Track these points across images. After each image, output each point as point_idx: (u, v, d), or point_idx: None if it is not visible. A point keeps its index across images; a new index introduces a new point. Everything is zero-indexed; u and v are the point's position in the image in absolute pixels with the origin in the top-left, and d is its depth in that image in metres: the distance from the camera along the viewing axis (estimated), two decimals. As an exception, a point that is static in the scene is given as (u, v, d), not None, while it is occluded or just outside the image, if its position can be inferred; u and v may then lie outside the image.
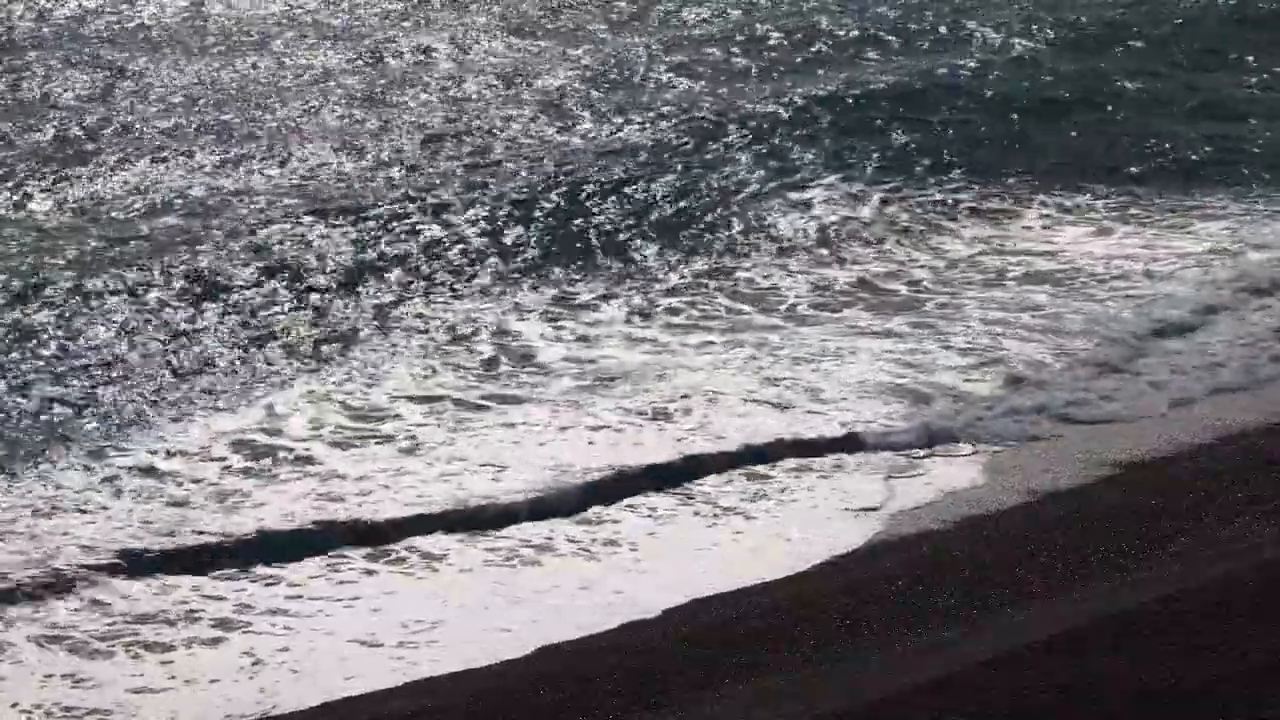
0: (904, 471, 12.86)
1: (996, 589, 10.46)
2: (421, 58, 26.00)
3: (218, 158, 21.25)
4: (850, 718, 8.00)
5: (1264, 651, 7.52)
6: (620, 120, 22.56)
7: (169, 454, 13.22)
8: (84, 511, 12.22)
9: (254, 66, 25.58)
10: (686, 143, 21.64)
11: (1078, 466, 12.84)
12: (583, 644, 10.28)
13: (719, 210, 19.13)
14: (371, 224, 18.81)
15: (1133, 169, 20.76)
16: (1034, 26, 26.99)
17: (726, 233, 18.51)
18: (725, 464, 12.99)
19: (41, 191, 19.91)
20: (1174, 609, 8.39)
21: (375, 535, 11.90)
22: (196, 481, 12.79)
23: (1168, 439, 13.34)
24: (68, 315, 16.13)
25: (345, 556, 11.66)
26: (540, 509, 12.22)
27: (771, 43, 26.54)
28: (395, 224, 18.80)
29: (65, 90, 24.15)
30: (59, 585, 11.17)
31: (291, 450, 13.31)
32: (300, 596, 11.16)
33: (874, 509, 12.25)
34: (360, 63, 25.76)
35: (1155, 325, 15.80)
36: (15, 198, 19.68)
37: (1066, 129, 22.19)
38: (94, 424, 13.81)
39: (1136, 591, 9.58)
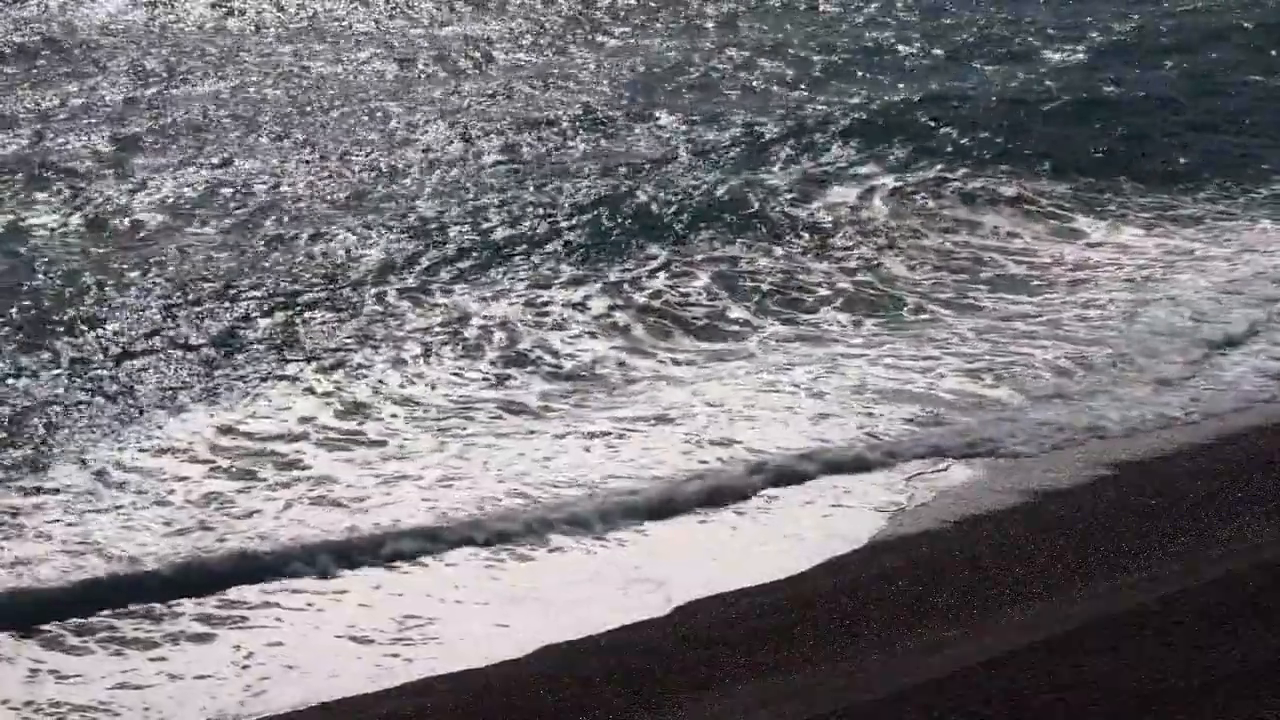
0: (915, 478, 12.78)
1: (996, 589, 10.47)
2: (449, 62, 26.00)
3: (227, 158, 21.33)
4: (850, 718, 8.00)
5: (1264, 651, 7.53)
6: (647, 122, 22.59)
7: (159, 452, 13.17)
8: (68, 509, 12.17)
9: (285, 70, 25.62)
10: (713, 145, 21.65)
11: (1078, 466, 12.84)
12: (583, 644, 10.28)
13: (733, 211, 19.10)
14: (382, 220, 18.87)
15: (1126, 170, 20.86)
16: (1066, 35, 27.09)
17: (736, 234, 18.47)
18: (742, 477, 12.82)
19: (68, 193, 19.93)
20: (1174, 609, 8.39)
21: (370, 543, 11.81)
22: (182, 480, 12.73)
23: (1168, 439, 13.34)
24: (67, 313, 16.15)
25: (340, 559, 11.59)
26: (542, 524, 12.12)
27: (801, 50, 26.56)
28: (406, 222, 18.84)
29: (95, 93, 24.20)
30: (44, 582, 11.11)
31: (283, 454, 13.26)
32: (290, 591, 11.10)
33: (880, 511, 12.22)
34: (389, 66, 25.78)
35: (1163, 331, 15.70)
36: (40, 200, 19.70)
37: (1074, 133, 22.24)
38: (82, 421, 13.77)
39: (1136, 591, 9.58)
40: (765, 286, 17.11)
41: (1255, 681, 7.16)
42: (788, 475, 12.77)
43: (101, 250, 18.04)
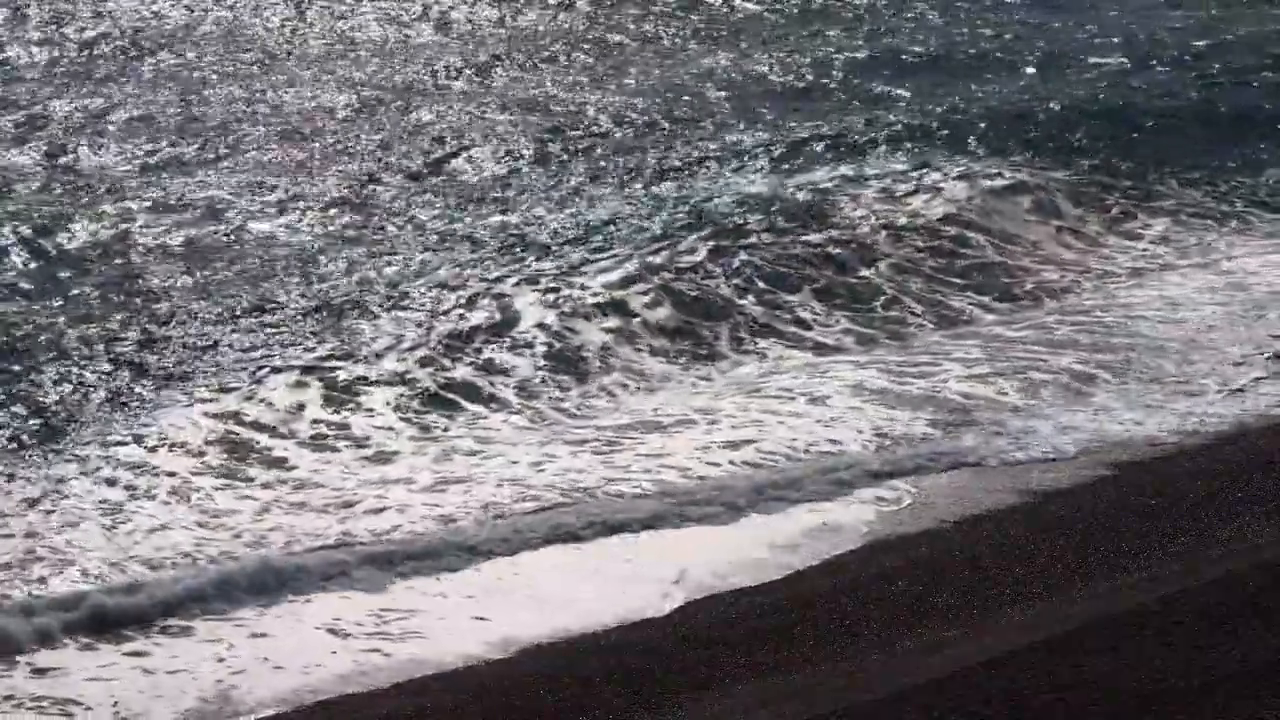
0: (915, 479, 12.74)
1: (996, 589, 10.46)
2: (478, 70, 25.99)
3: (247, 160, 21.40)
4: (850, 718, 7.99)
5: (1264, 651, 7.52)
6: (680, 125, 22.63)
7: (153, 447, 13.16)
8: (56, 507, 12.15)
9: (310, 75, 25.66)
10: (746, 147, 21.69)
11: (1078, 466, 12.84)
12: (583, 644, 10.28)
13: (762, 211, 19.03)
14: (399, 221, 18.95)
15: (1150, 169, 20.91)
16: (1101, 40, 27.19)
17: (761, 234, 18.33)
18: (740, 478, 12.75)
19: (87, 192, 19.99)
20: (1174, 609, 8.39)
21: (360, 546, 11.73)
22: (172, 475, 12.72)
23: (1168, 439, 13.32)
24: (71, 309, 16.19)
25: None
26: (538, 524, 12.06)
27: (834, 54, 26.56)
28: (426, 223, 18.93)
29: (123, 96, 24.31)
30: (21, 579, 11.05)
31: (268, 450, 13.25)
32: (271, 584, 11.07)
33: (880, 511, 12.21)
34: (418, 74, 25.80)
35: (1164, 336, 15.60)
36: (57, 199, 19.74)
37: (1103, 135, 22.26)
38: (77, 416, 13.78)
39: (1136, 591, 9.58)
40: (783, 288, 17.04)
41: (1255, 681, 7.15)
42: (786, 476, 12.78)
43: (112, 248, 18.08)
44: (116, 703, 9.67)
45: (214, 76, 25.70)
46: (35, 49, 27.17)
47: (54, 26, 28.49)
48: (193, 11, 29.68)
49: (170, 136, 22.41)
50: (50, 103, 23.92)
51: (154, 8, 29.83)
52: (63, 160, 21.37)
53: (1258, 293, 16.88)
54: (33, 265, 17.59)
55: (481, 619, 10.71)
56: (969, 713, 7.29)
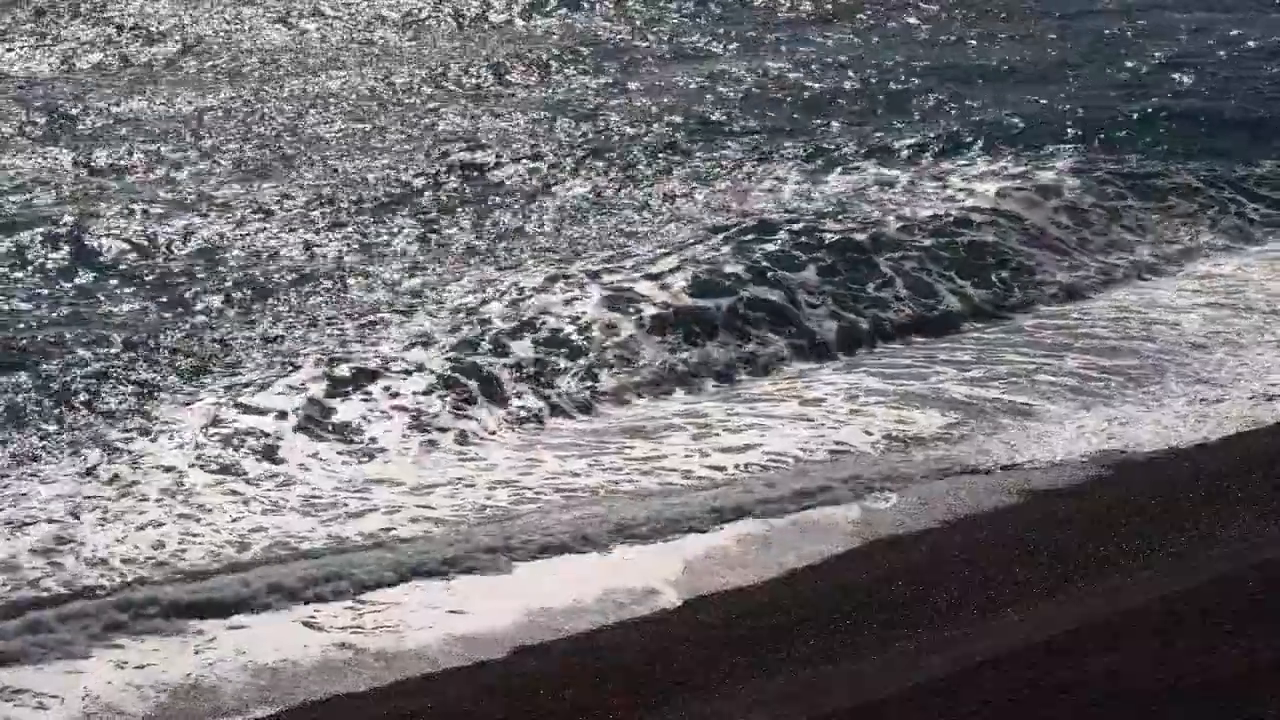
0: (915, 479, 12.74)
1: (996, 589, 10.47)
2: (508, 82, 25.98)
3: (276, 166, 21.45)
4: (850, 717, 8.00)
5: (1264, 651, 7.53)
6: (715, 134, 22.64)
7: (150, 443, 13.16)
8: (48, 503, 12.16)
9: (337, 85, 25.70)
10: (779, 155, 21.72)
11: (1077, 466, 12.84)
12: (583, 644, 10.28)
13: (789, 217, 19.04)
14: (421, 229, 19.01)
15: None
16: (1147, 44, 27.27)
17: (774, 235, 18.31)
18: (741, 480, 12.76)
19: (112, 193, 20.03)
20: (1174, 609, 8.39)
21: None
22: (169, 471, 12.72)
23: (1168, 439, 13.33)
24: (77, 305, 16.23)
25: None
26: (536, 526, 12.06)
27: (875, 61, 26.56)
28: (446, 233, 19.00)
29: (150, 100, 24.39)
30: (10, 576, 11.07)
31: (264, 449, 13.26)
32: (256, 581, 11.08)
33: (880, 511, 12.22)
34: (448, 89, 25.83)
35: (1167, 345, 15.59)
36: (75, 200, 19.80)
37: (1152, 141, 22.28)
38: (63, 413, 13.80)
39: (1136, 591, 9.58)
40: (800, 286, 16.98)
41: (1255, 681, 7.16)
42: (787, 477, 12.78)
43: (116, 246, 18.11)
44: (87, 696, 9.69)
45: (229, 78, 25.75)
46: (51, 50, 27.25)
47: (68, 28, 28.54)
48: (210, 13, 29.73)
49: (184, 137, 22.48)
50: (66, 105, 23.99)
51: (170, 9, 29.88)
52: (75, 160, 21.42)
53: (1261, 294, 16.89)
54: (37, 263, 17.63)
55: (479, 619, 10.71)
56: (969, 712, 7.30)
